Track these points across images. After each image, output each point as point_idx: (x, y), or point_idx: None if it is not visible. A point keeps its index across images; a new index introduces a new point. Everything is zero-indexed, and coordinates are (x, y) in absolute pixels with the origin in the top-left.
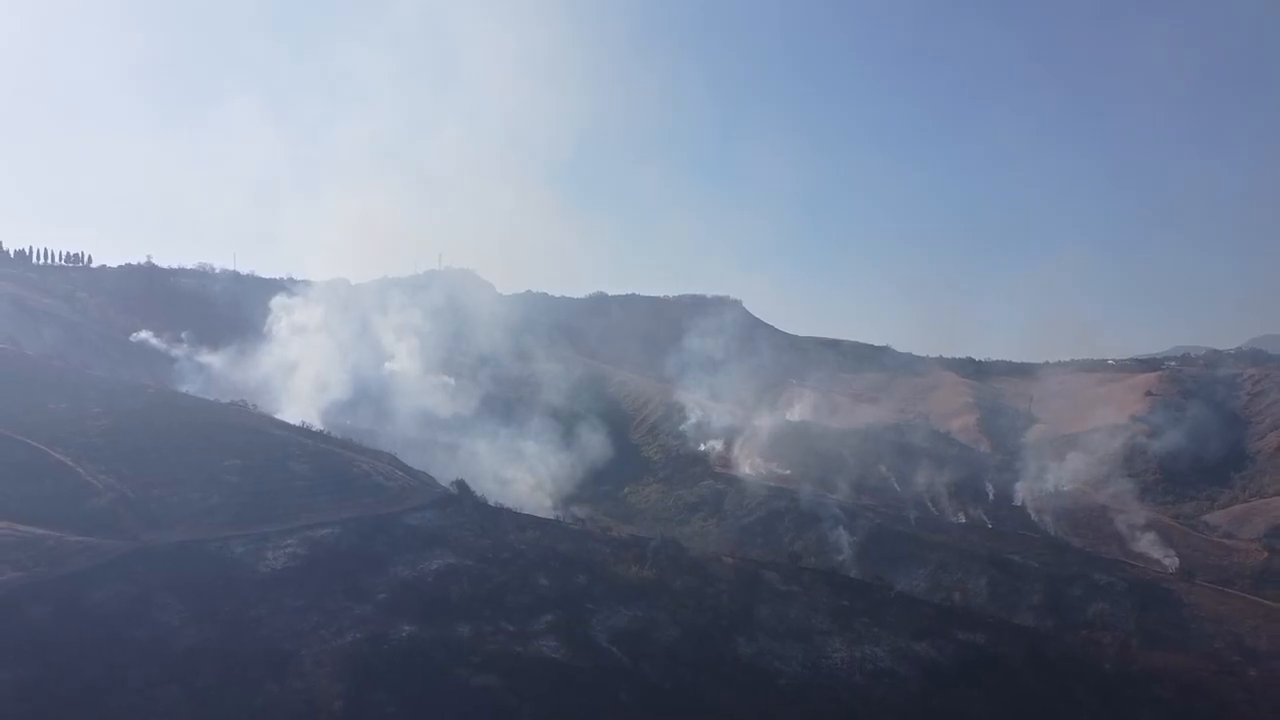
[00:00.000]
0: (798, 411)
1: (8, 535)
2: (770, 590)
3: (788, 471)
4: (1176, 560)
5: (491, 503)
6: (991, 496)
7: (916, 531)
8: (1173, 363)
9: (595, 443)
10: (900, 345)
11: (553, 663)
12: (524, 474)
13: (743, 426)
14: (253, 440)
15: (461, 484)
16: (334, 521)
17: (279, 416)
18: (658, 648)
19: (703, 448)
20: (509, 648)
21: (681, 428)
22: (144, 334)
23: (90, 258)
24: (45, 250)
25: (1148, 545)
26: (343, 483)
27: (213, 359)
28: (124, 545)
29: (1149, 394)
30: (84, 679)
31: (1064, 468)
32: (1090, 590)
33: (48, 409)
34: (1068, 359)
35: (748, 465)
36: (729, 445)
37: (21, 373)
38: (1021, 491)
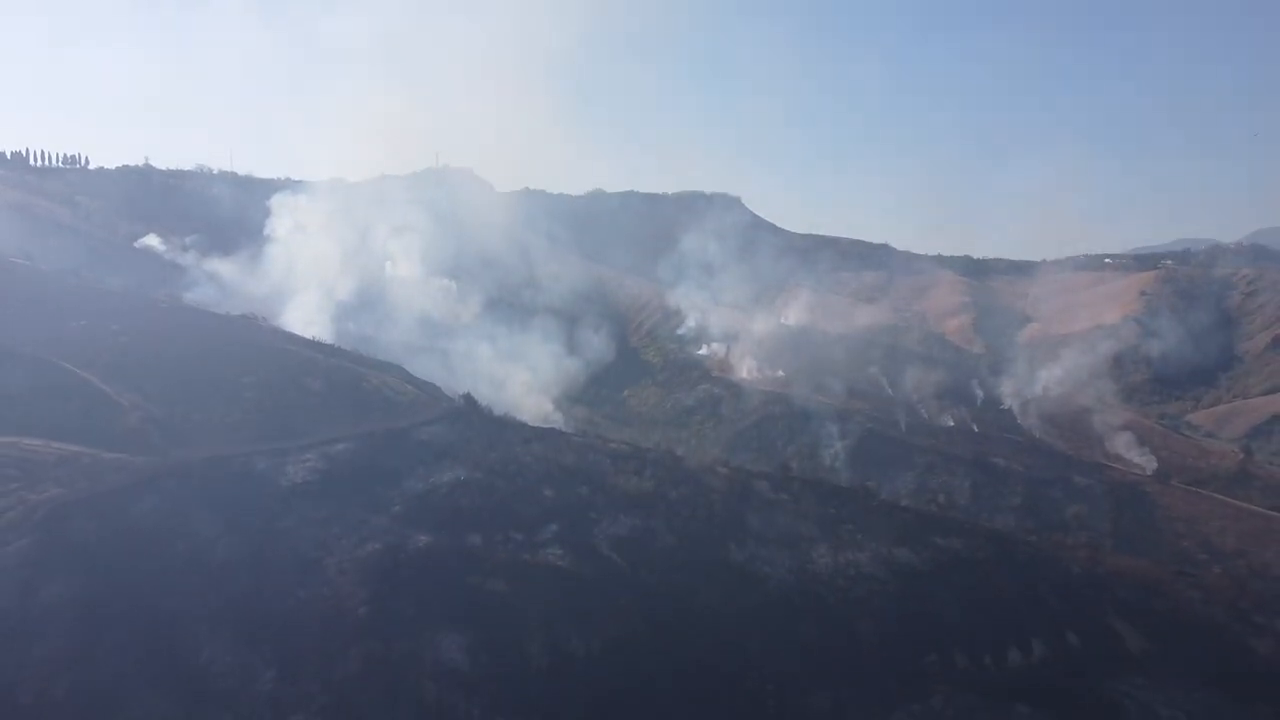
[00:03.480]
0: (794, 314)
1: (47, 453)
2: (761, 499)
3: (782, 374)
4: (1155, 462)
5: (498, 414)
6: (980, 399)
7: (905, 436)
8: (1169, 261)
9: (595, 345)
10: (899, 243)
11: (558, 569)
12: (525, 375)
13: (740, 330)
14: (267, 357)
15: (469, 398)
16: (349, 436)
17: (284, 322)
18: (655, 554)
19: (701, 351)
20: (517, 556)
21: (679, 331)
22: (150, 239)
23: (87, 159)
24: (42, 152)
25: (1125, 447)
26: (355, 398)
27: (220, 266)
28: (155, 462)
29: (1142, 294)
30: (133, 589)
31: (1054, 369)
32: (1069, 492)
33: (68, 326)
34: (1066, 256)
35: (744, 369)
36: (727, 349)
37: (39, 289)
38: (1009, 394)
